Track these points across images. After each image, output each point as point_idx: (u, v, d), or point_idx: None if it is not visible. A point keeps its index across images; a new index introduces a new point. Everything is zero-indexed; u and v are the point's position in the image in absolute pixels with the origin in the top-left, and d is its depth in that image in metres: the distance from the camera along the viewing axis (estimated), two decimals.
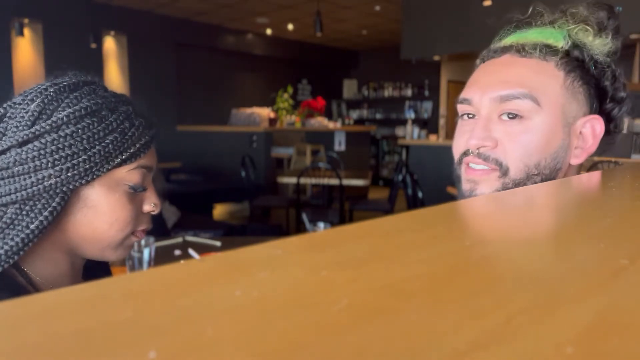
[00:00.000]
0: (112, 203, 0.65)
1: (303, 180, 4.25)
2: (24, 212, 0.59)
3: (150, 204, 0.71)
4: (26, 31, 6.03)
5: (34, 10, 5.97)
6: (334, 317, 0.17)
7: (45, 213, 0.60)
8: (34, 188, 0.59)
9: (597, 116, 0.68)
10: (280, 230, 4.31)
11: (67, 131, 0.60)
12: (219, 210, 6.12)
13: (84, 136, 0.61)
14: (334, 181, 4.12)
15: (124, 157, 0.64)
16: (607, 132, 0.70)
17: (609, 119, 0.70)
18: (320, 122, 6.27)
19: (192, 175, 5.90)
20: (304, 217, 2.60)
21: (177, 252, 1.79)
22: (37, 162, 0.59)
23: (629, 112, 0.70)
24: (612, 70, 0.69)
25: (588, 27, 0.68)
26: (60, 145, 0.59)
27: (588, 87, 0.68)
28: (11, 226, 0.59)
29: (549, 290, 0.20)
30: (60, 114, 0.60)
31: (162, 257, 1.61)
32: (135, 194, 0.68)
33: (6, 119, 0.62)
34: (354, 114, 9.82)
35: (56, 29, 6.16)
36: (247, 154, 5.17)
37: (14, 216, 0.59)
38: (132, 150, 0.65)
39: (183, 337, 0.16)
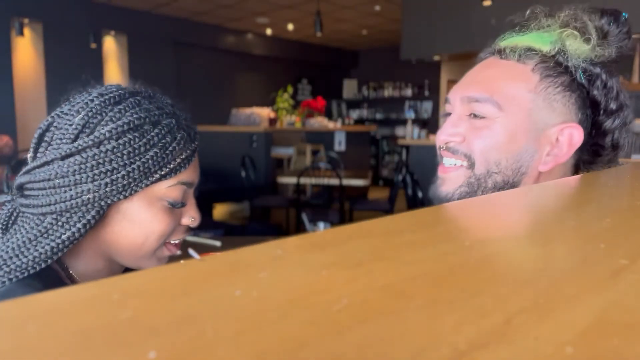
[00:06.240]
0: (150, 218, 0.65)
1: (303, 180, 4.24)
2: (59, 223, 0.61)
3: (189, 218, 0.71)
4: (26, 31, 6.02)
5: (34, 10, 5.97)
6: (334, 317, 0.17)
7: (79, 225, 0.61)
8: (72, 201, 0.60)
9: (576, 125, 0.65)
10: (280, 230, 4.31)
11: (109, 146, 0.60)
12: (219, 210, 6.12)
13: (125, 152, 0.61)
14: (334, 181, 4.12)
15: (163, 172, 0.64)
16: (602, 146, 0.67)
17: (604, 132, 0.67)
18: (320, 122, 6.26)
19: None
20: (304, 217, 2.60)
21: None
22: (77, 176, 0.60)
23: (626, 123, 0.66)
24: (602, 80, 0.65)
25: (577, 33, 0.65)
26: (100, 161, 0.60)
27: (571, 94, 0.65)
28: (45, 235, 0.61)
29: (549, 290, 0.20)
30: (103, 129, 0.60)
31: None
32: (174, 209, 0.68)
33: (52, 128, 0.63)
34: (354, 114, 9.81)
35: (56, 29, 6.16)
36: (247, 154, 5.16)
37: (49, 225, 0.61)
38: (171, 165, 0.65)
39: (183, 337, 0.16)
